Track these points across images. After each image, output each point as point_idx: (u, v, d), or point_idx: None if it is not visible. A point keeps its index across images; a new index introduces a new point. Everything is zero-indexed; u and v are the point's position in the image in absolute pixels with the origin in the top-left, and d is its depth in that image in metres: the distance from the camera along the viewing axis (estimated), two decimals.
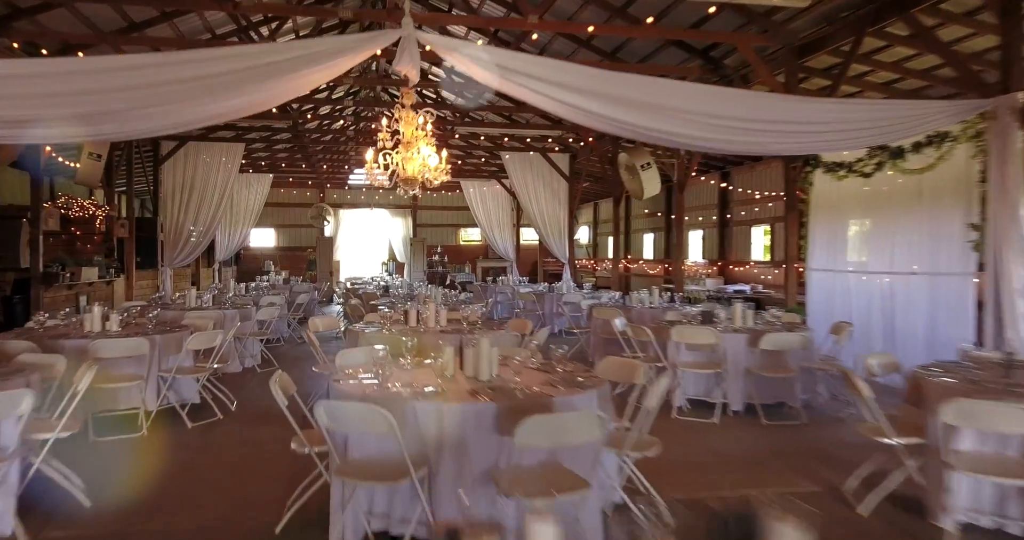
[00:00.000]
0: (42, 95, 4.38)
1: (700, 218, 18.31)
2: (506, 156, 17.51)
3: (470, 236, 28.12)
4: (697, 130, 5.45)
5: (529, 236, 25.55)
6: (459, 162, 20.69)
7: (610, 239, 24.55)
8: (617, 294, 11.89)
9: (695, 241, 19.08)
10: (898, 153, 6.97)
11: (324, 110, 15.62)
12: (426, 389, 3.28)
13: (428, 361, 3.97)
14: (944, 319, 6.67)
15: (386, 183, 5.51)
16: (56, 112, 4.49)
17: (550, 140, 17.08)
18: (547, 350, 4.16)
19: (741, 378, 6.01)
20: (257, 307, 8.84)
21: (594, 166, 17.81)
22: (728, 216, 16.81)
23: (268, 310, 8.25)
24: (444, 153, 5.62)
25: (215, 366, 5.88)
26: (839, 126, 5.89)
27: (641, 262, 21.27)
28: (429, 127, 5.33)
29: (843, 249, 8.24)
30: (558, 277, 25.96)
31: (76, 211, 10.86)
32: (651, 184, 11.25)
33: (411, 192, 5.49)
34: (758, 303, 13.31)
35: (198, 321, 6.41)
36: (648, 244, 21.31)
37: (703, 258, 18.20)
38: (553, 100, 4.97)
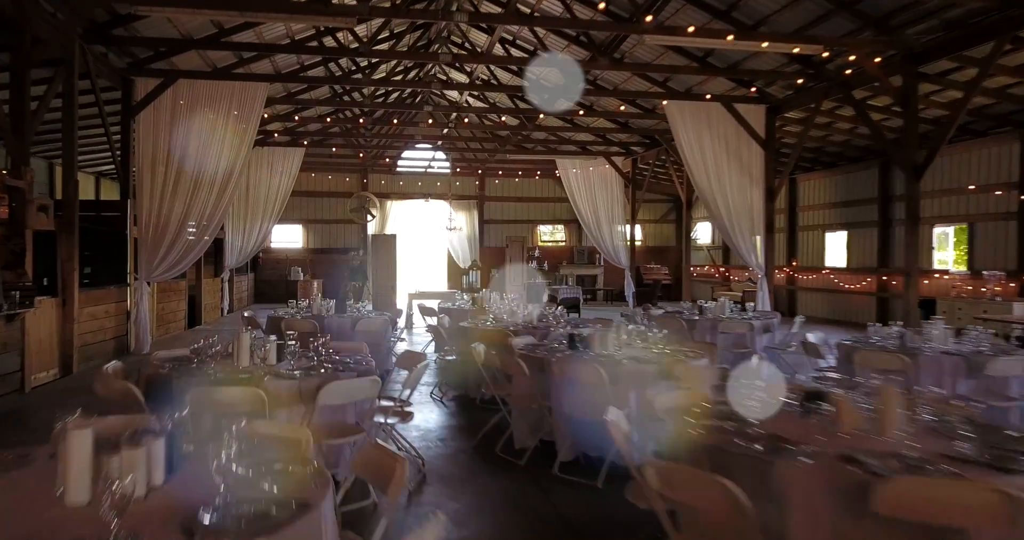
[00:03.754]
0: None
1: (947, 206, 12.03)
2: (666, 104, 11.33)
3: (547, 234, 22.06)
4: None
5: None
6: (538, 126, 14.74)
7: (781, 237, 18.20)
8: None
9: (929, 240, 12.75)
10: None
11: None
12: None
13: None
14: None
15: None
16: None
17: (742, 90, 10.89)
18: None
19: None
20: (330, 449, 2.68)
21: (815, 123, 11.62)
22: None
23: None
24: None
25: None
26: None
27: (825, 271, 14.95)
28: None
29: None
30: (668, 290, 19.59)
31: None
32: None
33: None
34: None
35: None
36: (836, 246, 14.97)
37: (969, 268, 11.85)
38: None
